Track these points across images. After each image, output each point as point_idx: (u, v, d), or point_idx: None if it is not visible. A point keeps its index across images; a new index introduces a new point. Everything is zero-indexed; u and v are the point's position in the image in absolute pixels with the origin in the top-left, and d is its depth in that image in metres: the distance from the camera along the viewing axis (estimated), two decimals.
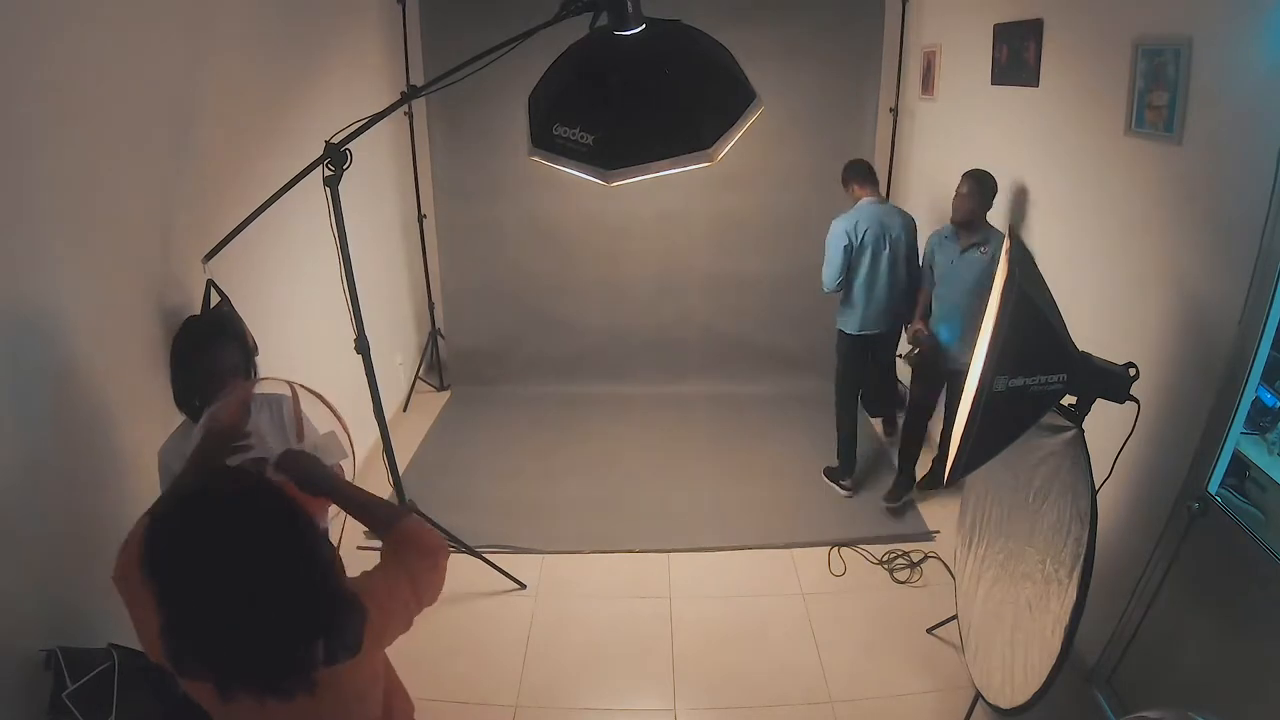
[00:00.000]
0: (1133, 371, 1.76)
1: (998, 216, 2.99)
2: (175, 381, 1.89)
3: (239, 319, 2.07)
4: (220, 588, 0.96)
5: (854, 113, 4.23)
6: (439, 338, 4.62)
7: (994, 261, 2.83)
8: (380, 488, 1.80)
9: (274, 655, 1.01)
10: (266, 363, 2.14)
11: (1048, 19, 2.67)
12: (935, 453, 3.60)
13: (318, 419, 1.79)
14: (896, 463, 3.48)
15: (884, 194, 4.30)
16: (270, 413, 1.75)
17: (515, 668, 2.53)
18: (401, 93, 2.03)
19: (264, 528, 1.00)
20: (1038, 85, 2.76)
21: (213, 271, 2.11)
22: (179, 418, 2.06)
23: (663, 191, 4.03)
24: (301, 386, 1.77)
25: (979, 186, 2.90)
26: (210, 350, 1.84)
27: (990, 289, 2.02)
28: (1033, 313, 1.70)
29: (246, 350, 1.95)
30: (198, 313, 2.08)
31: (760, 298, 4.50)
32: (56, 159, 1.63)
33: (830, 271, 3.20)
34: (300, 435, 1.72)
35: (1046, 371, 1.70)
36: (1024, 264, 1.84)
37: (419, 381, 4.55)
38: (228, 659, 0.99)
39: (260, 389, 1.75)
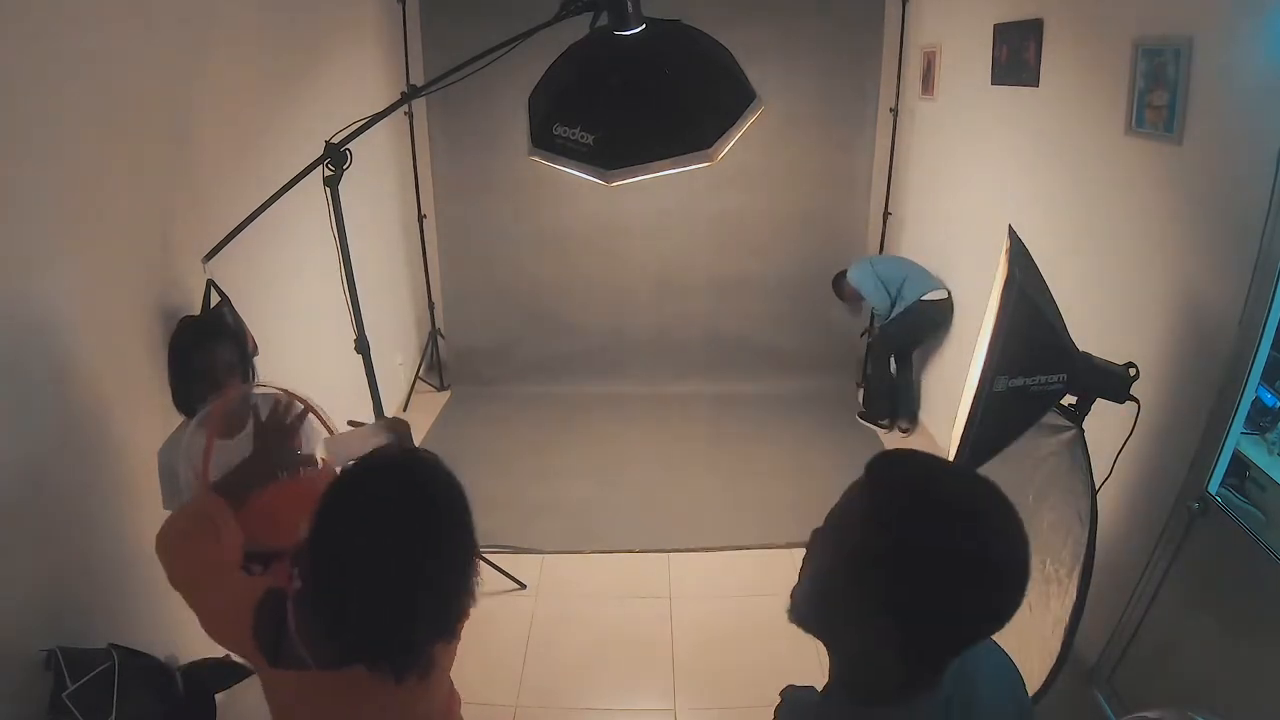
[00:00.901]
0: (1133, 371, 1.76)
1: (996, 221, 2.99)
2: (173, 382, 1.88)
3: (238, 319, 2.07)
4: (412, 556, 0.98)
5: (854, 113, 4.23)
6: (439, 338, 4.62)
7: None
8: None
9: (441, 626, 1.06)
10: (266, 363, 2.14)
11: (1048, 19, 2.67)
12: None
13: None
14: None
15: (885, 203, 4.32)
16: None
17: (515, 668, 2.53)
18: (401, 93, 2.02)
19: (455, 496, 1.06)
20: (1038, 85, 2.76)
21: (213, 271, 2.11)
22: (179, 418, 2.06)
23: (663, 191, 4.03)
24: (287, 390, 1.76)
25: None
26: (206, 350, 1.83)
27: None
28: (1033, 313, 1.70)
29: (244, 351, 1.94)
30: (196, 313, 2.07)
31: (761, 297, 4.49)
32: (56, 159, 1.63)
33: None
34: (299, 443, 1.72)
35: (1046, 371, 1.70)
36: (1024, 264, 1.84)
37: (419, 381, 4.55)
38: (394, 631, 1.01)
39: (258, 390, 1.75)
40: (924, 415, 4.06)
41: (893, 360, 4.07)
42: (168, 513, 1.64)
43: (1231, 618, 1.85)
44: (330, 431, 1.74)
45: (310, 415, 1.68)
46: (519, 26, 1.69)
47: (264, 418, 1.53)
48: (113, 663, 1.50)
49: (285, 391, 1.70)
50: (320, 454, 1.72)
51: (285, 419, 1.54)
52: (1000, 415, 1.71)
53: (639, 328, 4.55)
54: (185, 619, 1.19)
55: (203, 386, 1.77)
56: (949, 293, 3.69)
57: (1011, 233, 1.91)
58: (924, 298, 3.72)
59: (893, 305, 3.85)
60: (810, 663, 2.54)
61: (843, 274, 4.17)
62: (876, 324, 4.23)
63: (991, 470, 2.10)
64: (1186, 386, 1.98)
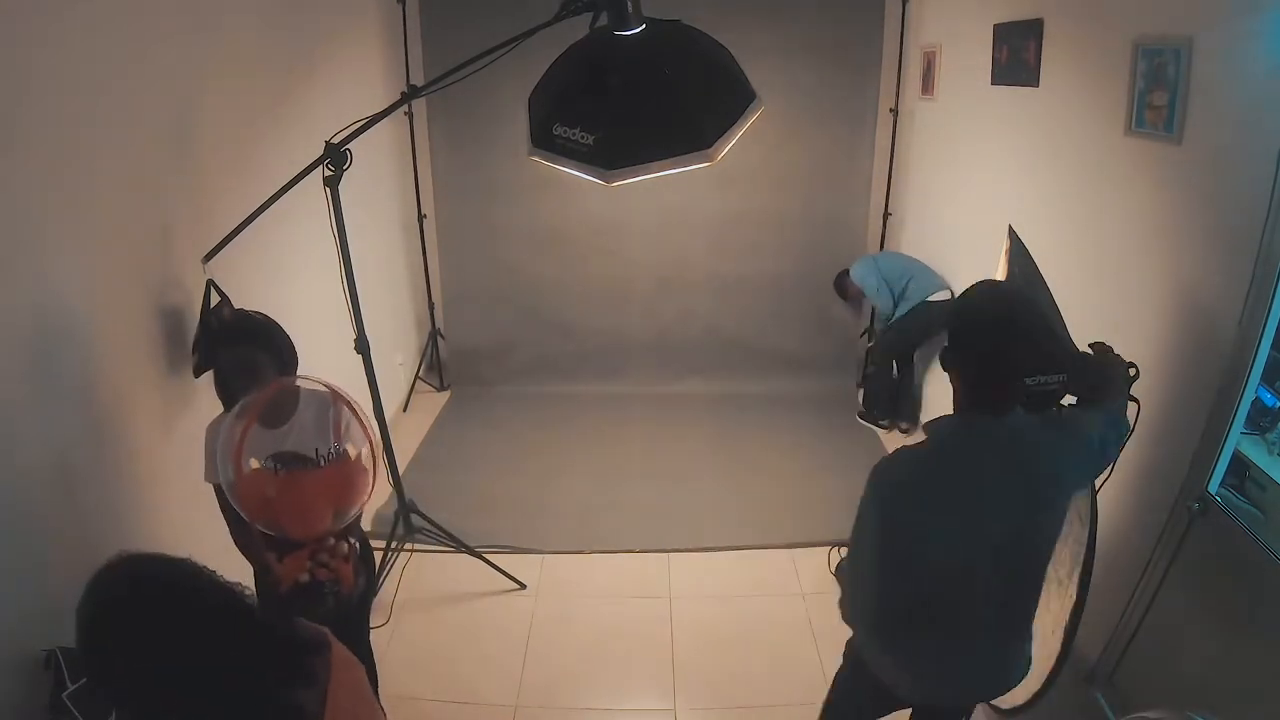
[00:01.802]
0: (1133, 371, 1.76)
1: (996, 221, 2.99)
2: (212, 372, 1.86)
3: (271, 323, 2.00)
4: None
5: (854, 113, 4.23)
6: (439, 338, 4.62)
7: None
8: (380, 488, 1.80)
9: None
10: None
11: (1048, 19, 2.67)
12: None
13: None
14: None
15: (885, 203, 4.32)
16: (317, 410, 1.75)
17: (515, 668, 2.53)
18: (401, 93, 2.02)
19: None
20: (1038, 85, 2.76)
21: (213, 271, 2.11)
22: (178, 419, 2.06)
23: (663, 191, 4.03)
24: (330, 385, 1.76)
25: None
26: (231, 351, 1.82)
27: None
28: (1033, 313, 1.70)
29: (277, 347, 1.89)
30: (212, 312, 2.06)
31: (760, 298, 4.50)
32: (56, 159, 1.63)
33: None
34: (340, 438, 1.73)
35: (1046, 371, 1.70)
36: (1024, 264, 1.84)
37: (419, 381, 4.55)
38: None
39: (305, 385, 1.75)
40: (924, 415, 4.06)
41: (894, 361, 4.06)
42: (204, 487, 1.74)
43: (1231, 618, 1.85)
44: (365, 430, 1.73)
45: (348, 410, 1.70)
46: (519, 26, 1.69)
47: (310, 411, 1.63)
48: None
49: (329, 386, 1.71)
50: (352, 449, 1.73)
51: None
52: None
53: (639, 328, 4.55)
54: None
55: (232, 382, 1.76)
56: (953, 294, 3.67)
57: (1011, 232, 1.91)
58: (930, 299, 3.68)
59: (896, 305, 3.82)
60: (810, 664, 2.55)
61: (845, 272, 4.13)
62: (877, 324, 4.22)
63: None
64: (1186, 386, 1.98)
